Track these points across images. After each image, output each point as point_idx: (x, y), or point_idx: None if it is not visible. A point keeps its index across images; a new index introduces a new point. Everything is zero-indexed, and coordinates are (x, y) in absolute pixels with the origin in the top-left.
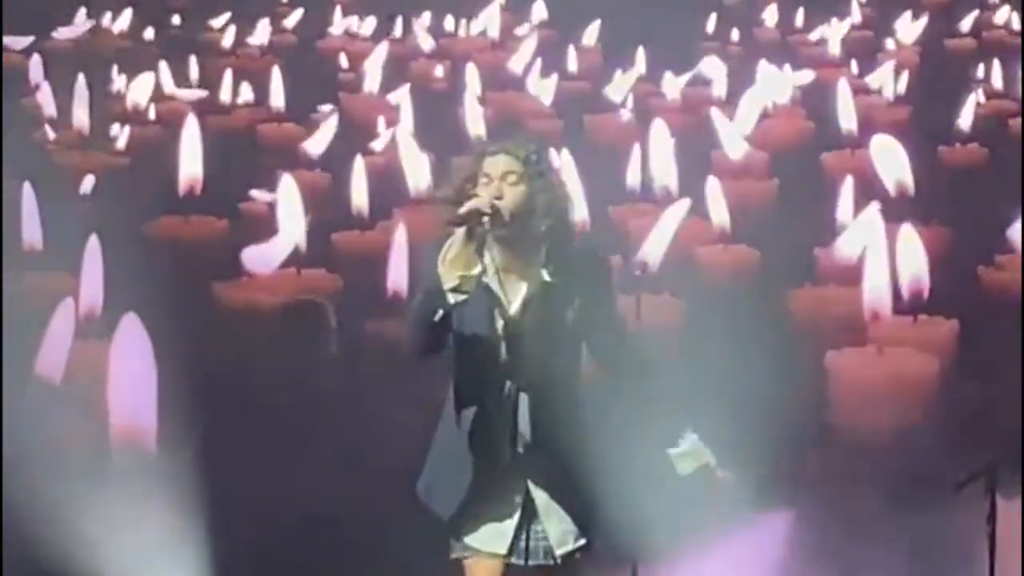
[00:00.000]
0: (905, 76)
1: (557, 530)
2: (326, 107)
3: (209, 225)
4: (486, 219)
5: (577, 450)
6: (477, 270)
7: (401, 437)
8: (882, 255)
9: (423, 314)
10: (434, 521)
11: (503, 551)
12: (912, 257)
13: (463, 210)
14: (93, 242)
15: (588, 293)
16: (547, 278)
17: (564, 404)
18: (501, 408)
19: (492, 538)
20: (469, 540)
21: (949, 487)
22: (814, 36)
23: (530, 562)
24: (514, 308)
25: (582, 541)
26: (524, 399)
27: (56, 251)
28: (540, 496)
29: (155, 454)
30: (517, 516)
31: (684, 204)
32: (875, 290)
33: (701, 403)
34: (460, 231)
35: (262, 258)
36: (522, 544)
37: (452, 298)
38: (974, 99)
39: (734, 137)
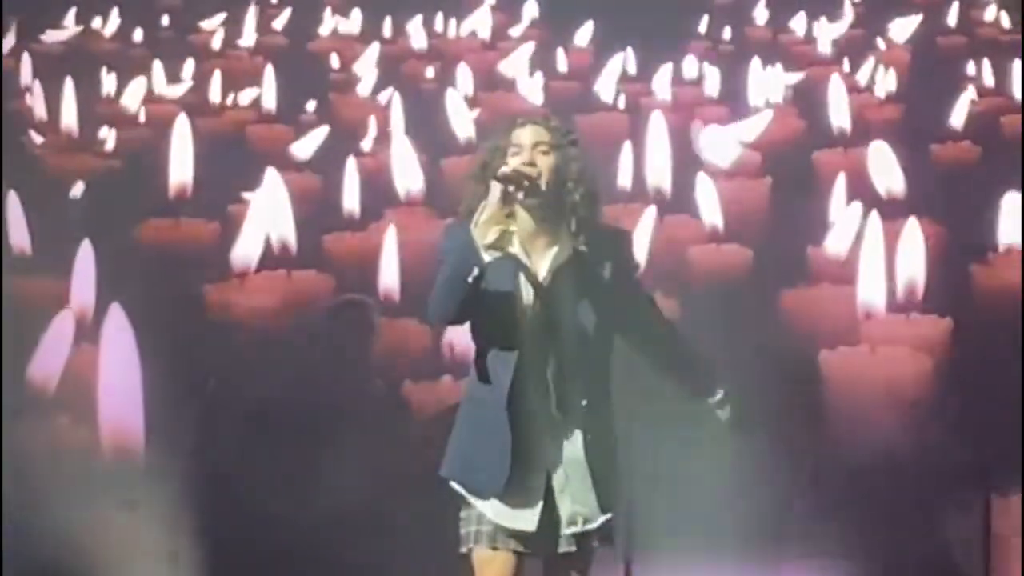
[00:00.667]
0: (896, 74)
1: (568, 509)
2: (312, 108)
3: (199, 228)
4: (526, 183)
5: (604, 424)
6: (512, 228)
7: (396, 439)
8: (875, 254)
9: (455, 277)
10: (435, 518)
11: (532, 527)
12: (907, 255)
13: (506, 169)
14: (86, 247)
15: (617, 263)
16: (581, 247)
17: (595, 374)
18: (534, 377)
19: (519, 516)
20: (497, 518)
21: (944, 486)
22: (805, 35)
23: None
24: (542, 276)
25: (592, 525)
26: (554, 367)
27: (46, 255)
28: (558, 473)
29: (143, 457)
30: (543, 492)
31: (651, 210)
32: (868, 289)
33: (689, 409)
34: (495, 195)
35: (243, 255)
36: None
37: (488, 256)
38: (967, 97)
39: (724, 147)
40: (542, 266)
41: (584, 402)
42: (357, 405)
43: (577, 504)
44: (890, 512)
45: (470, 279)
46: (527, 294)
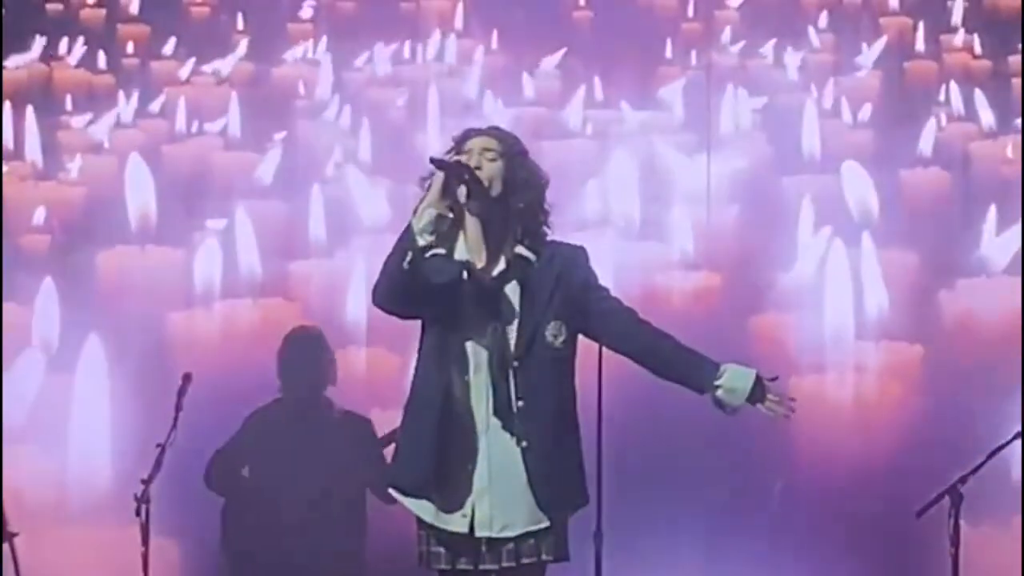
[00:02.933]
0: (865, 100)
1: (486, 513)
2: (280, 136)
3: (164, 255)
4: (466, 176)
5: (547, 430)
6: (448, 216)
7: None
8: (844, 280)
9: (392, 262)
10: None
11: (464, 529)
12: (876, 282)
13: (446, 157)
14: (48, 283)
15: (573, 275)
16: (524, 253)
17: (543, 382)
18: (473, 379)
19: (451, 519)
20: (432, 520)
21: (912, 512)
22: (774, 60)
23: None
24: (487, 280)
25: (510, 532)
26: (492, 370)
27: (7, 284)
28: (479, 475)
29: (110, 489)
30: (469, 493)
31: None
32: (837, 315)
33: (664, 428)
34: (435, 186)
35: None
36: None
37: (421, 240)
38: (934, 123)
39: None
40: (489, 271)
41: (520, 403)
42: (325, 429)
43: (496, 509)
44: (857, 536)
45: (405, 264)
46: (470, 296)
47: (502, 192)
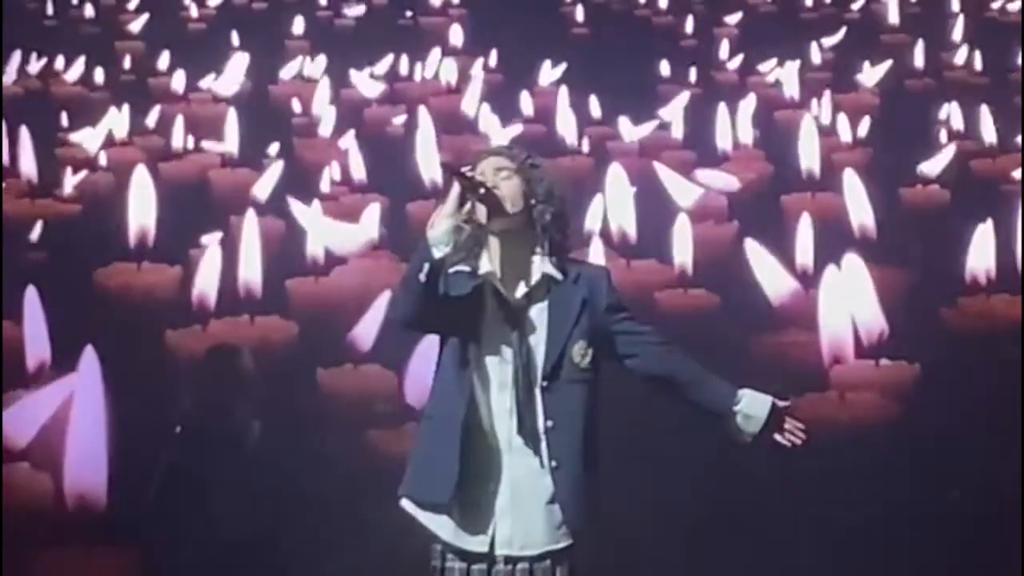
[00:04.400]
0: (865, 118)
1: (507, 532)
2: (274, 152)
3: (161, 273)
4: (482, 191)
5: (574, 451)
6: (465, 227)
7: (353, 477)
8: (844, 299)
9: (410, 276)
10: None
11: (484, 549)
12: (875, 300)
13: (466, 171)
14: (31, 294)
15: (599, 297)
16: (551, 272)
17: (569, 401)
18: (497, 397)
19: (472, 539)
20: (450, 538)
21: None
22: (773, 78)
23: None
24: (514, 298)
25: (530, 551)
26: (519, 389)
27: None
28: (502, 494)
29: (105, 508)
30: (492, 513)
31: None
32: (836, 335)
33: (662, 449)
34: (451, 197)
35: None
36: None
37: (437, 252)
38: (939, 140)
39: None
40: (515, 289)
41: (549, 423)
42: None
43: (518, 528)
44: (859, 558)
45: (422, 276)
46: (495, 313)
47: (524, 208)
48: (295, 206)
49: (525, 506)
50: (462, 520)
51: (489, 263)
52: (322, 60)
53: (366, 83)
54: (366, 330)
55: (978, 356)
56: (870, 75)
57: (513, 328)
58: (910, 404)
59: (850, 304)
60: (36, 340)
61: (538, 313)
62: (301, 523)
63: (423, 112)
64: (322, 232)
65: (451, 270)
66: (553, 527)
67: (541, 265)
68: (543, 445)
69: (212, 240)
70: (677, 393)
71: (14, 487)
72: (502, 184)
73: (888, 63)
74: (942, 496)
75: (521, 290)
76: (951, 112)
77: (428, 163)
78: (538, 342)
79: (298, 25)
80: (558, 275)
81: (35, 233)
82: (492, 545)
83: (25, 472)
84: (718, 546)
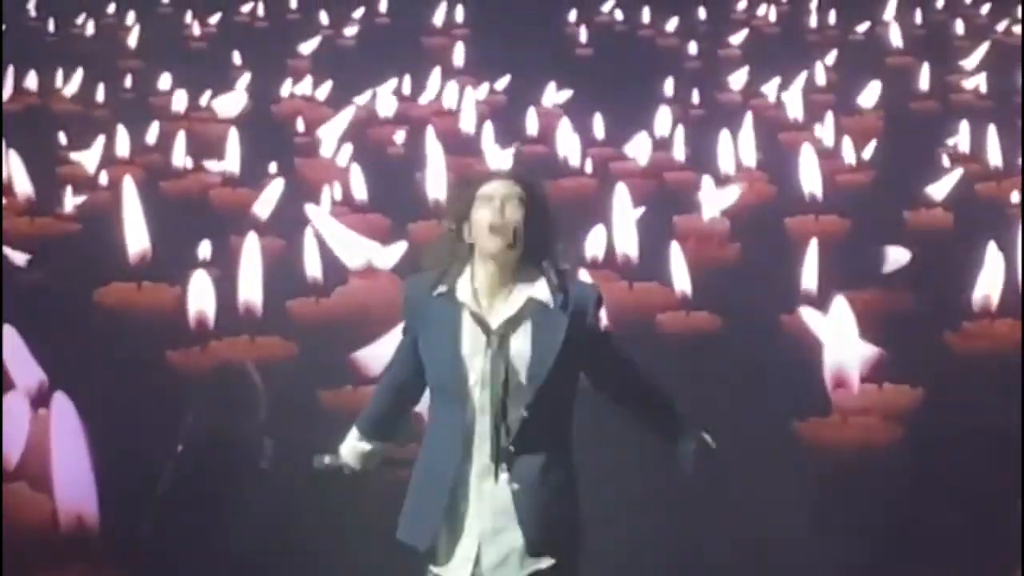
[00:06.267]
0: (869, 140)
1: (492, 559)
2: (273, 171)
3: (161, 292)
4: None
5: (539, 473)
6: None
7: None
8: (847, 322)
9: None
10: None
11: (468, 573)
12: (879, 323)
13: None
14: (9, 331)
15: (585, 317)
16: (539, 296)
17: (544, 420)
18: (478, 433)
19: (459, 564)
20: (437, 569)
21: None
22: (776, 99)
23: None
24: (495, 324)
25: (515, 572)
26: (492, 416)
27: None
28: (483, 516)
29: (98, 532)
30: (473, 561)
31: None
32: (839, 358)
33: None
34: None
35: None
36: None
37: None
38: (944, 163)
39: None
40: (498, 314)
41: (522, 447)
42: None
43: (501, 549)
44: None
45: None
46: (473, 342)
47: (527, 237)
48: (312, 211)
49: (503, 530)
50: (448, 554)
51: (470, 285)
52: (324, 79)
53: (380, 100)
54: (375, 353)
55: (981, 380)
56: (869, 96)
57: (495, 354)
58: (913, 428)
59: (853, 327)
60: (23, 372)
61: (522, 338)
62: (299, 543)
63: (430, 132)
64: (339, 240)
65: (433, 293)
66: (532, 549)
67: (528, 289)
68: (517, 469)
69: (206, 257)
70: (637, 422)
71: (11, 507)
72: (512, 212)
73: (877, 84)
74: (945, 519)
75: (504, 314)
76: (956, 134)
77: (435, 183)
78: (520, 368)
79: (300, 43)
80: (548, 300)
81: (22, 258)
82: (476, 569)
83: (18, 492)
84: (717, 571)
